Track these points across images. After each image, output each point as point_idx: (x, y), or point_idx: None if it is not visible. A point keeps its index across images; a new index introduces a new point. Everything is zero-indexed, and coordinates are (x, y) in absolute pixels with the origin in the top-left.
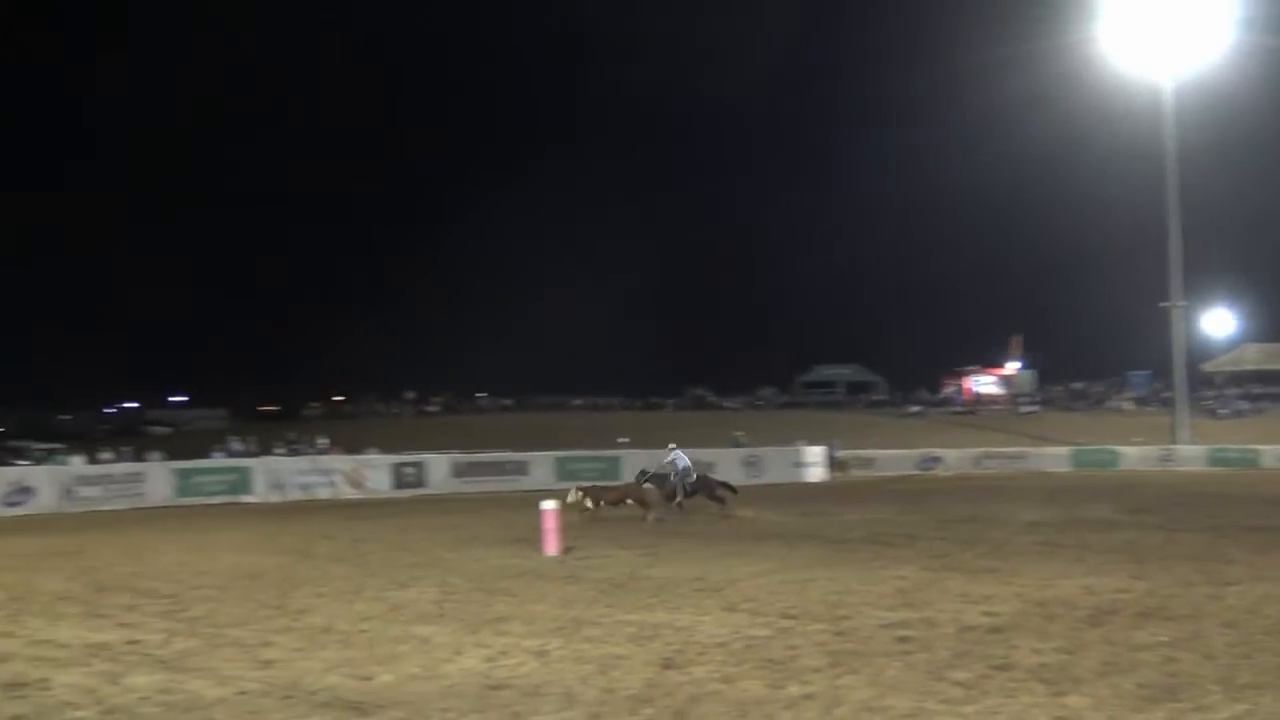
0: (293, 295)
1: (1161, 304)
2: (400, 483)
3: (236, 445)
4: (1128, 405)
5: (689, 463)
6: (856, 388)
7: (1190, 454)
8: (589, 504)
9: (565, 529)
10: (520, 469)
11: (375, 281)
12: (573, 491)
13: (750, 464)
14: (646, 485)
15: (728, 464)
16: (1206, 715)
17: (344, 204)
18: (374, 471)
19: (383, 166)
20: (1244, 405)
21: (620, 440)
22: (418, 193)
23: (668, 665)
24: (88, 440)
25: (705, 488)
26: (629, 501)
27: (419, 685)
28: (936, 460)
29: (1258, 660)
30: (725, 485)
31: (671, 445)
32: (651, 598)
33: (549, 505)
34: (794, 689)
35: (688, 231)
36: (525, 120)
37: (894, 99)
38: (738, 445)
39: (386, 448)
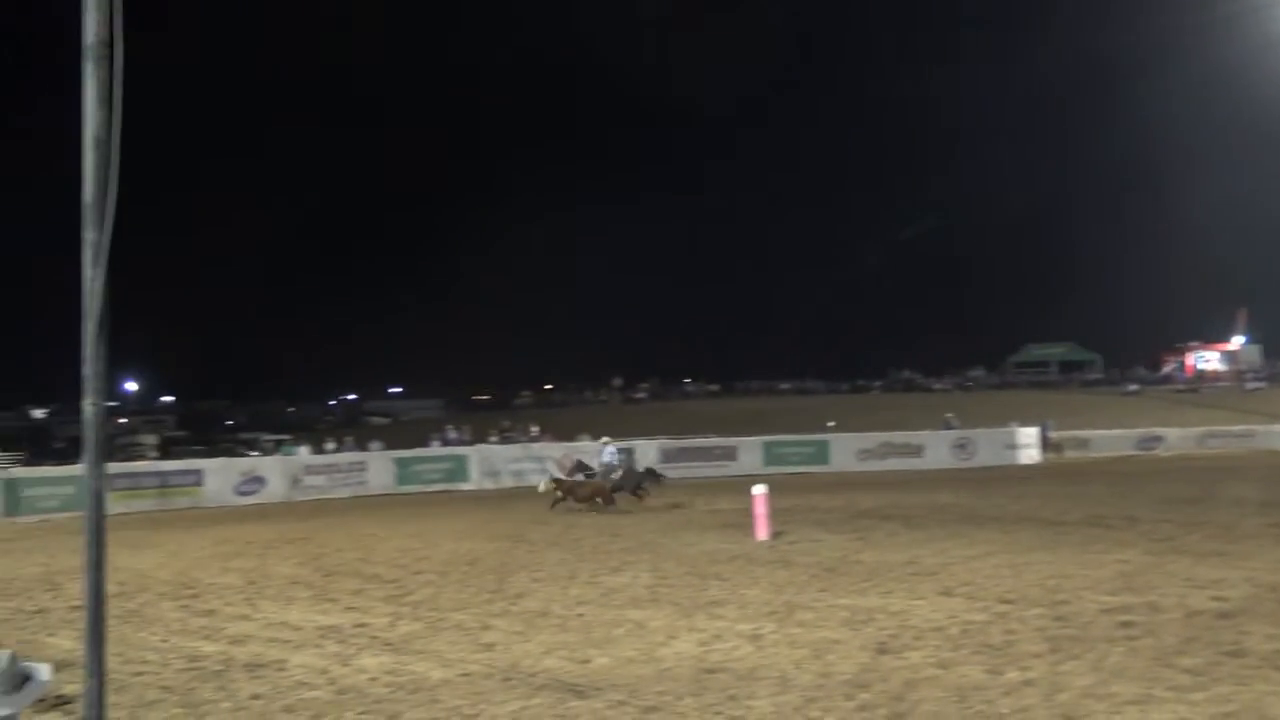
0: (500, 289)
1: None
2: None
3: (452, 434)
4: None
5: (616, 457)
6: (1070, 367)
7: None
8: (559, 494)
9: (773, 515)
10: (728, 454)
11: (575, 274)
12: (544, 481)
13: (961, 446)
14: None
15: (937, 446)
16: None
17: (546, 196)
18: (583, 458)
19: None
20: None
21: (828, 424)
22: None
23: (883, 650)
24: (313, 431)
25: (630, 481)
26: (598, 500)
27: (635, 668)
28: (1157, 440)
29: None
30: (650, 474)
31: (604, 439)
32: (864, 582)
33: (759, 490)
34: (1013, 675)
35: (896, 215)
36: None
37: (1124, 53)
38: (949, 427)
39: (596, 434)
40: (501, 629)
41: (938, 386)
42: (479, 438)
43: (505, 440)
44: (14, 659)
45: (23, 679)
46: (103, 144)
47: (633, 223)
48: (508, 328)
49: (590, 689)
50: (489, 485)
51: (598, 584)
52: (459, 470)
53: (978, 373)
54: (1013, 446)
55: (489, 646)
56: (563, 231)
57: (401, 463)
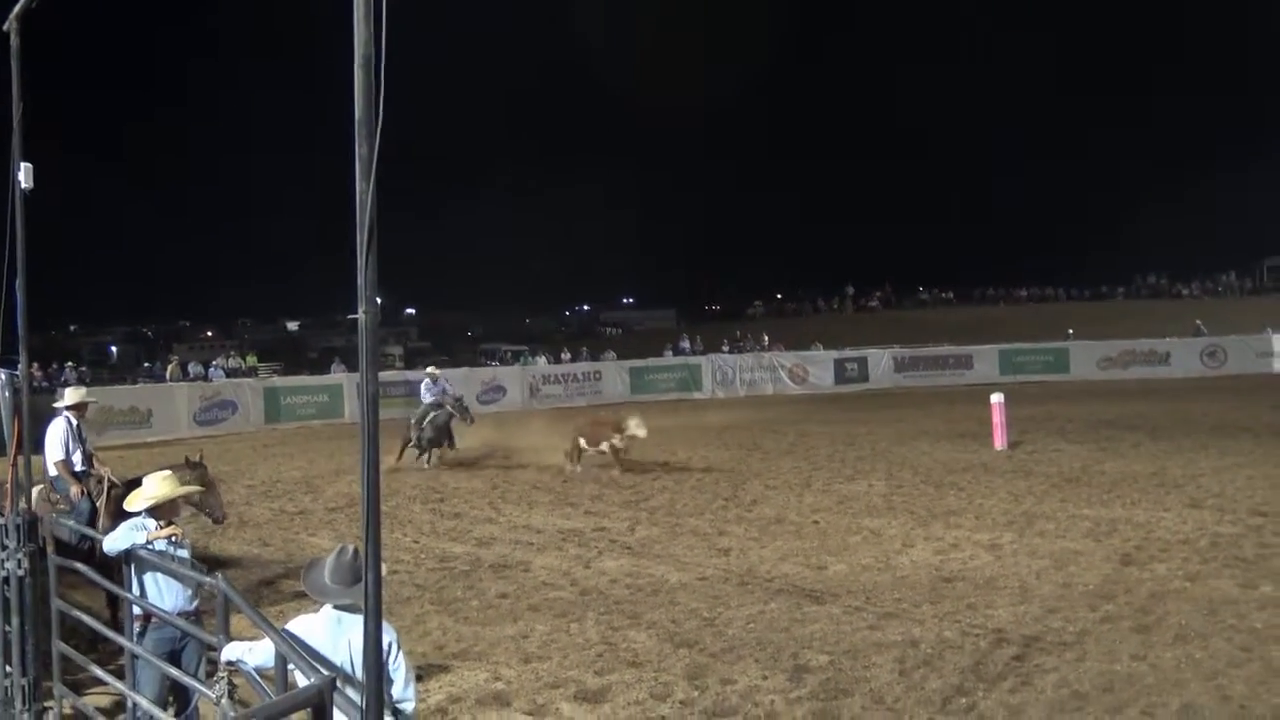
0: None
1: None
2: (842, 378)
3: (685, 344)
4: None
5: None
6: None
7: None
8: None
9: (1011, 424)
10: (964, 363)
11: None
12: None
13: (1211, 354)
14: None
15: (1186, 354)
16: None
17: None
18: (816, 368)
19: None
20: None
21: (1068, 332)
22: None
23: (1127, 561)
24: (549, 341)
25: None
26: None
27: (872, 576)
28: None
29: None
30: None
31: (429, 369)
32: (1107, 493)
33: (997, 398)
34: (1268, 589)
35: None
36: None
37: None
38: (1198, 334)
39: (828, 344)
40: (737, 535)
41: (1185, 292)
42: (711, 348)
43: (737, 350)
44: (356, 554)
45: (359, 572)
46: (369, 62)
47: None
48: (739, 236)
49: (827, 595)
50: (722, 394)
51: (832, 492)
52: (692, 379)
53: (1229, 277)
54: (1268, 354)
55: (725, 552)
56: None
57: (635, 372)
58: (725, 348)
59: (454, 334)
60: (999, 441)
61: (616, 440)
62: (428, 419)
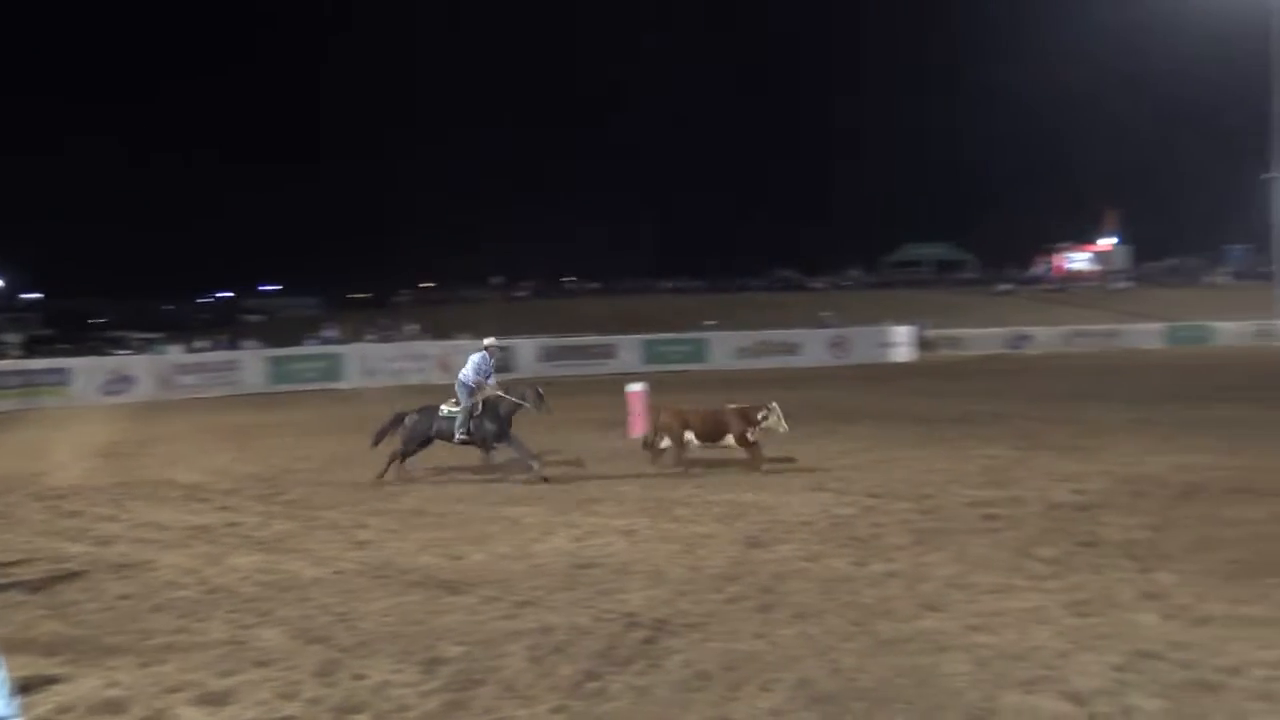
0: (385, 185)
1: (1264, 175)
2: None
3: (329, 332)
4: (1225, 280)
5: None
6: (946, 266)
7: None
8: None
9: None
10: (608, 352)
11: (457, 171)
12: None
13: (837, 344)
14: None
15: (814, 344)
16: None
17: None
18: (460, 357)
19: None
20: None
21: (707, 323)
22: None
23: (753, 544)
24: (185, 329)
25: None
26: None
27: (509, 564)
28: (1026, 339)
29: None
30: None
31: (489, 340)
32: (738, 477)
33: (635, 387)
34: (878, 566)
35: (779, 111)
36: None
37: None
38: (825, 326)
39: (477, 333)
40: (376, 527)
41: (816, 285)
42: (356, 336)
43: (383, 338)
44: None
45: None
46: None
47: None
48: (387, 225)
49: (464, 585)
50: (366, 384)
51: (473, 482)
52: (335, 369)
53: (856, 271)
54: (887, 345)
55: (363, 544)
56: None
57: (276, 361)
58: (371, 336)
59: (81, 320)
60: (638, 429)
61: (750, 434)
62: (485, 408)
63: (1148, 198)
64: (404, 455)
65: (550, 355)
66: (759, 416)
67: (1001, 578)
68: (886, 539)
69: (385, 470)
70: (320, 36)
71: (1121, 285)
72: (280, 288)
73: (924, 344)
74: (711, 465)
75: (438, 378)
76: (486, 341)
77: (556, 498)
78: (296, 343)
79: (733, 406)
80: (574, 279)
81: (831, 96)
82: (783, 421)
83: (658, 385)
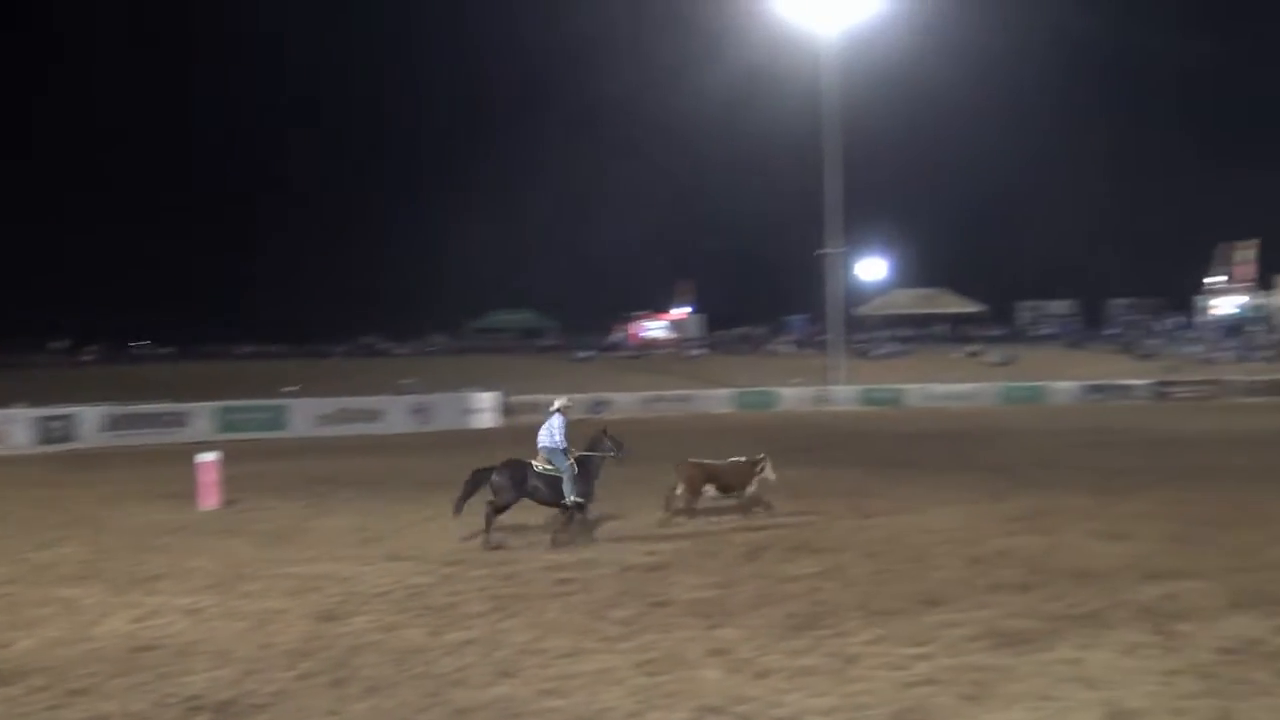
0: None
1: (818, 251)
2: (46, 438)
3: None
4: (787, 348)
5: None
6: (529, 333)
7: (844, 394)
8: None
9: (225, 483)
10: (179, 420)
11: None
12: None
13: (419, 411)
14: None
15: (396, 411)
16: (846, 640)
17: None
18: (14, 426)
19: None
20: (894, 347)
21: (285, 389)
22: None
23: (328, 617)
24: None
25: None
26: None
27: (62, 650)
28: (605, 404)
29: (893, 587)
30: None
31: (560, 401)
32: (313, 549)
33: (207, 457)
34: (455, 635)
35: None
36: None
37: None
38: (407, 393)
39: (36, 400)
40: None
41: (400, 351)
42: None
43: None
44: None
45: None
46: None
47: None
48: None
49: (12, 675)
50: None
51: (27, 560)
52: None
53: (440, 338)
54: (470, 411)
55: None
56: None
57: None
58: None
59: None
60: (209, 501)
61: (752, 486)
62: (580, 468)
63: (718, 270)
64: (496, 512)
65: (116, 424)
66: (758, 470)
67: (575, 641)
68: (464, 607)
69: (489, 532)
70: None
71: (695, 352)
72: None
73: (507, 410)
74: (282, 538)
75: None
76: (560, 403)
77: (116, 576)
78: None
79: (738, 460)
80: (146, 342)
81: (412, 172)
82: (772, 471)
83: (233, 455)
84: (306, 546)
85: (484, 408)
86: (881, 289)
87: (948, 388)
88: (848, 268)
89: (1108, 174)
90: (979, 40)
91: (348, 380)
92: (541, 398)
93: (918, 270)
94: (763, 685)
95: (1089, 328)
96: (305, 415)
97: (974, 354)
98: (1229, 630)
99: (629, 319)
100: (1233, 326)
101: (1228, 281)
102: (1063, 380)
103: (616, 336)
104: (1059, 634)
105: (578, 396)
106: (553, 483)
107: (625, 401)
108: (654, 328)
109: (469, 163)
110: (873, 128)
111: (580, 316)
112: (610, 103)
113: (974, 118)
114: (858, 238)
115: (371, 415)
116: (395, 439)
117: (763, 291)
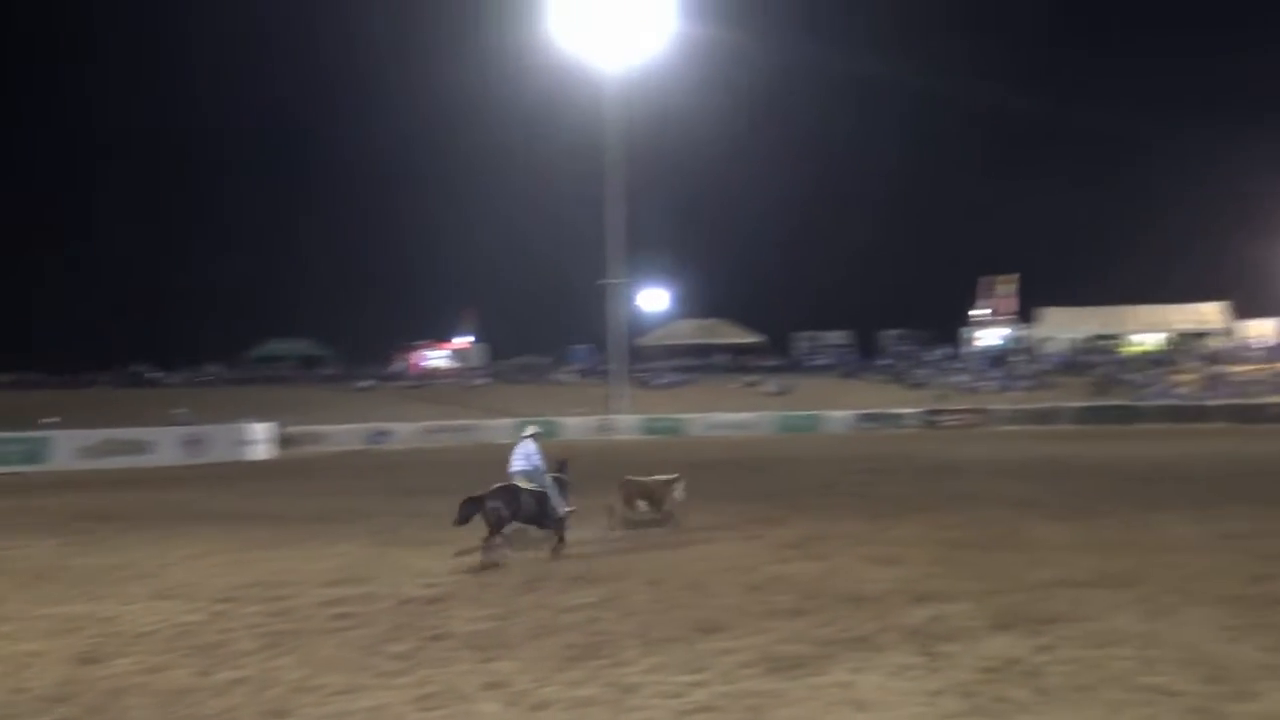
0: None
1: (600, 281)
2: None
3: None
4: (570, 378)
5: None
6: (309, 363)
7: (626, 423)
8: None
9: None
10: None
11: None
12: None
13: (192, 443)
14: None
15: (167, 443)
16: (624, 669)
17: None
18: None
19: None
20: (675, 377)
21: (44, 421)
22: None
23: (87, 659)
24: None
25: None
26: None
27: None
28: (386, 434)
29: (673, 615)
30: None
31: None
32: (74, 588)
33: None
34: (225, 675)
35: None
36: None
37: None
38: (180, 423)
39: None
40: None
41: (172, 381)
42: None
43: None
44: None
45: None
46: None
47: None
48: None
49: None
50: None
51: None
52: None
53: (215, 367)
54: (246, 442)
55: None
56: None
57: None
58: None
59: None
60: None
61: (668, 502)
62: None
63: (501, 298)
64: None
65: None
66: (673, 489)
67: (349, 677)
68: (234, 645)
69: (492, 554)
70: None
71: (478, 382)
72: None
73: (284, 441)
74: (41, 577)
75: None
76: (532, 430)
77: None
78: None
79: (661, 478)
80: None
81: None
82: (682, 490)
83: None
84: (67, 585)
85: (259, 439)
86: (663, 319)
87: (727, 417)
88: (630, 298)
89: (880, 209)
90: (758, 80)
91: (114, 410)
92: (321, 429)
93: (698, 301)
94: (540, 717)
95: (863, 358)
96: (67, 447)
97: (752, 384)
98: (991, 650)
99: (410, 348)
100: (997, 357)
101: (991, 314)
102: (837, 409)
103: (397, 366)
104: (832, 658)
105: (354, 427)
106: (541, 499)
107: (406, 431)
108: (436, 357)
109: (247, 188)
110: (655, 162)
111: (361, 345)
112: (392, 133)
113: (753, 154)
114: (640, 269)
115: (140, 447)
116: (165, 471)
117: (547, 321)
